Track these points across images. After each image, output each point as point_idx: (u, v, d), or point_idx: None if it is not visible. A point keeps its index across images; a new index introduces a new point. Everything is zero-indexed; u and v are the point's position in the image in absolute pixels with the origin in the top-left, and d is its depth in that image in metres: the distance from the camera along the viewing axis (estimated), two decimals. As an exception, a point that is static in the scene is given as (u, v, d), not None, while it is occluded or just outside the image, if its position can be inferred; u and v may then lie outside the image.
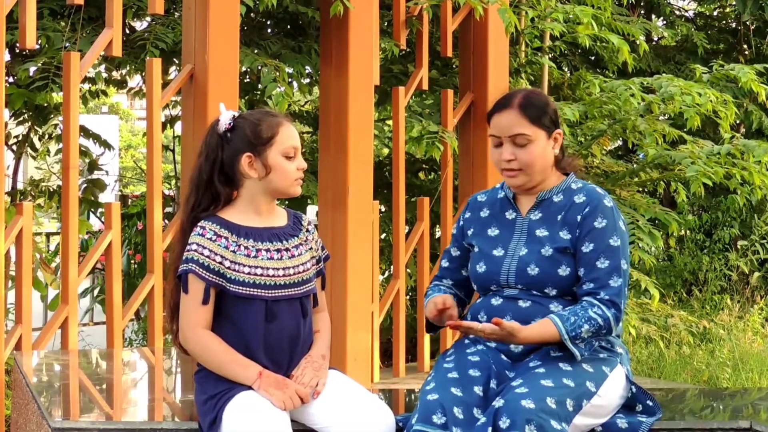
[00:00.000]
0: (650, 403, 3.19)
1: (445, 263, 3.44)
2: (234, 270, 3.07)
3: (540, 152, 3.18)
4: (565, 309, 3.07)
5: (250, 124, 3.11)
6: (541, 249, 3.14)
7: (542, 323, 3.04)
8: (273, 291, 3.10)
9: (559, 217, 3.18)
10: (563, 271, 3.12)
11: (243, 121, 3.13)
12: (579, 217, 3.14)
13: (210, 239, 3.07)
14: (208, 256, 3.05)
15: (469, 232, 3.34)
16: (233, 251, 3.08)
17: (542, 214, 3.21)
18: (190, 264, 3.05)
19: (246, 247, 3.10)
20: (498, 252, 3.22)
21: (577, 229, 3.13)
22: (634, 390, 3.17)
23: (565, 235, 3.15)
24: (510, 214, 3.27)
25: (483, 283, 3.24)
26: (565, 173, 3.28)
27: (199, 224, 3.10)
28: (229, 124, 3.12)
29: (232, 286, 3.07)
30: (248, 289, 3.08)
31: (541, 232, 3.18)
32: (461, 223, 3.39)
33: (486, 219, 3.31)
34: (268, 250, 3.13)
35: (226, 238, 3.09)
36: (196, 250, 3.06)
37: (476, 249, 3.28)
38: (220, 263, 3.06)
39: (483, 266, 3.23)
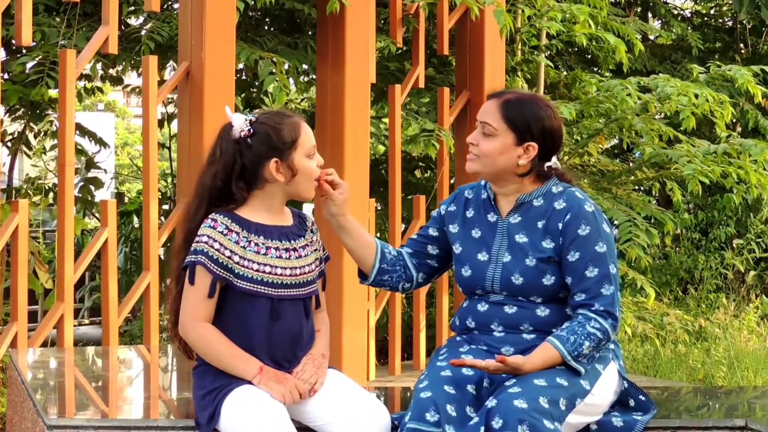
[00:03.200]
0: (643, 398, 3.18)
1: (415, 235, 3.40)
2: (242, 266, 3.06)
3: (499, 150, 3.13)
4: (562, 328, 3.04)
5: (272, 129, 3.07)
6: (525, 258, 3.11)
7: (543, 350, 3.00)
8: (279, 290, 3.09)
9: (540, 224, 3.13)
10: (548, 280, 3.10)
11: (263, 126, 3.08)
12: (560, 225, 3.09)
13: (221, 233, 3.05)
14: (218, 250, 3.03)
15: (452, 228, 3.29)
16: (243, 247, 3.06)
17: (521, 218, 3.17)
18: (200, 256, 3.02)
19: (256, 244, 3.08)
20: (483, 256, 3.19)
21: (560, 237, 3.09)
22: (626, 385, 3.16)
23: (548, 244, 3.11)
24: (492, 217, 3.23)
25: (468, 287, 3.22)
26: (547, 178, 3.21)
27: (210, 216, 3.07)
28: (248, 129, 3.09)
29: (239, 281, 3.05)
30: (255, 285, 3.06)
31: (520, 238, 3.14)
32: (442, 213, 3.34)
33: (471, 219, 3.27)
34: (277, 249, 3.12)
35: (237, 233, 3.07)
36: (206, 243, 3.03)
37: (459, 250, 3.25)
38: (229, 258, 3.04)
39: (468, 270, 3.21)
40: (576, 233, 3.07)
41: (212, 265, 3.02)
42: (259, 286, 3.07)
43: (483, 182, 3.33)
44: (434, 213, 3.40)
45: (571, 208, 3.10)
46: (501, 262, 3.14)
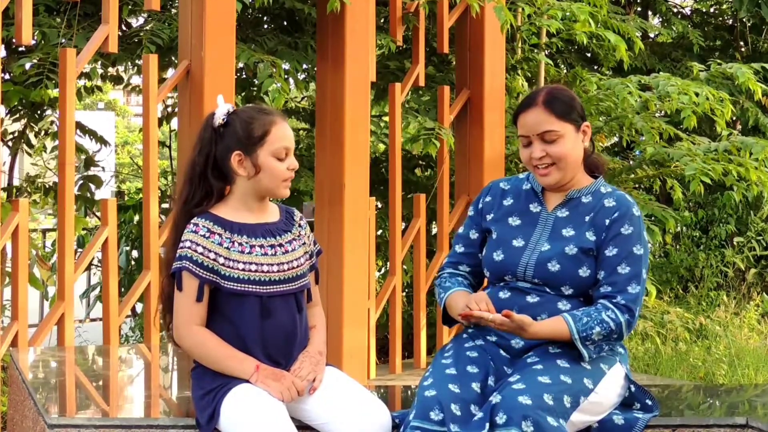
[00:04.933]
0: (649, 402, 3.19)
1: (460, 248, 3.38)
2: (228, 266, 3.06)
3: (571, 146, 3.17)
4: (578, 309, 3.06)
5: (242, 122, 3.09)
6: (565, 247, 3.13)
7: (554, 320, 3.04)
8: (267, 287, 3.09)
9: (587, 218, 3.17)
10: (584, 272, 3.12)
11: (236, 118, 3.11)
12: (607, 221, 3.14)
13: (203, 236, 3.06)
14: (201, 253, 3.04)
15: (488, 217, 3.30)
16: (227, 248, 3.07)
17: (569, 213, 3.20)
18: (184, 261, 3.04)
19: (240, 244, 3.09)
20: (518, 243, 3.20)
21: (604, 233, 3.13)
22: (633, 389, 3.17)
23: (590, 236, 3.14)
24: (535, 207, 3.26)
25: (498, 272, 3.22)
26: (593, 175, 3.27)
27: (192, 221, 3.09)
28: (223, 119, 3.11)
29: (226, 282, 3.06)
30: (243, 285, 3.07)
31: (567, 231, 3.17)
32: (480, 206, 3.35)
33: (508, 208, 3.29)
34: (261, 246, 3.12)
35: (220, 235, 3.08)
36: (189, 247, 3.05)
37: (494, 236, 3.26)
38: (214, 260, 3.05)
39: (501, 255, 3.21)
40: (619, 230, 3.12)
41: (197, 269, 3.03)
42: (246, 285, 3.07)
43: (523, 175, 3.35)
44: (470, 211, 3.39)
45: (620, 208, 3.15)
46: (539, 249, 3.15)
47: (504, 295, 3.19)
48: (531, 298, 3.15)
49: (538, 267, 3.13)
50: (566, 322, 3.01)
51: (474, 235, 3.35)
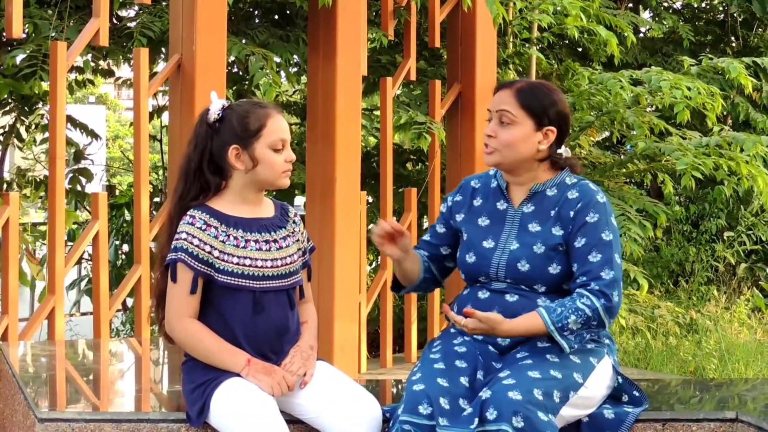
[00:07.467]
0: (636, 394, 3.20)
1: (427, 237, 3.41)
2: (223, 260, 3.06)
3: (520, 137, 3.13)
4: (553, 301, 3.06)
5: (238, 116, 3.10)
6: (533, 245, 3.12)
7: (528, 316, 3.02)
8: (261, 282, 3.09)
9: (552, 212, 3.15)
10: (554, 269, 3.11)
11: (231, 112, 3.11)
12: (572, 213, 3.12)
13: (200, 228, 3.05)
14: (197, 246, 3.04)
15: (458, 217, 3.31)
16: (222, 241, 3.07)
17: (535, 208, 3.19)
18: (180, 253, 3.04)
19: (235, 237, 3.09)
20: (488, 244, 3.20)
21: (570, 225, 3.11)
22: (620, 380, 3.17)
23: (557, 231, 3.13)
24: (501, 205, 3.25)
25: (471, 273, 3.23)
26: (560, 168, 3.25)
27: (189, 213, 3.08)
28: (219, 114, 3.11)
29: (220, 276, 3.06)
30: (236, 279, 3.07)
31: (533, 227, 3.16)
32: (449, 204, 3.35)
33: (478, 208, 3.28)
34: (256, 241, 3.12)
35: (216, 228, 3.07)
36: (185, 239, 3.04)
37: (465, 237, 3.27)
38: (209, 253, 3.05)
39: (473, 257, 3.21)
40: (584, 220, 3.10)
41: (192, 261, 3.03)
42: (240, 280, 3.07)
43: (492, 171, 3.33)
44: (442, 207, 3.40)
45: (583, 198, 3.14)
46: (508, 249, 3.15)
47: (483, 295, 3.19)
48: (510, 297, 3.15)
49: (509, 267, 3.13)
50: (540, 316, 3.00)
51: (441, 229, 3.37)
